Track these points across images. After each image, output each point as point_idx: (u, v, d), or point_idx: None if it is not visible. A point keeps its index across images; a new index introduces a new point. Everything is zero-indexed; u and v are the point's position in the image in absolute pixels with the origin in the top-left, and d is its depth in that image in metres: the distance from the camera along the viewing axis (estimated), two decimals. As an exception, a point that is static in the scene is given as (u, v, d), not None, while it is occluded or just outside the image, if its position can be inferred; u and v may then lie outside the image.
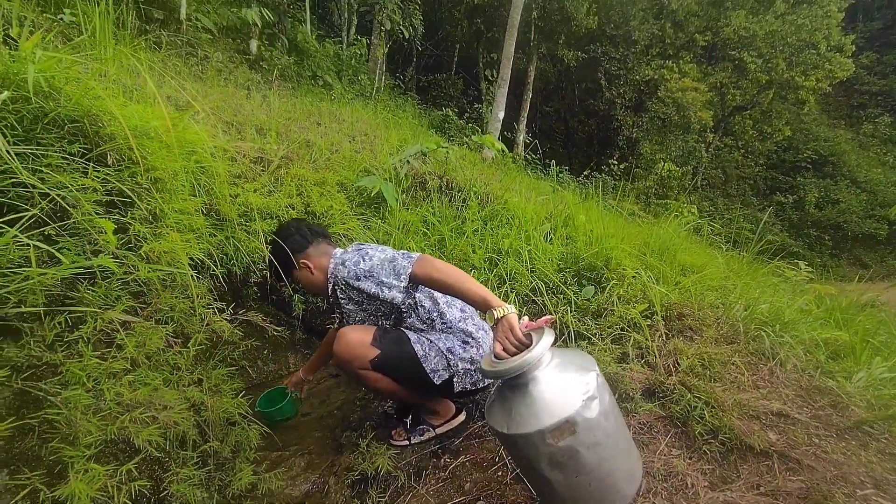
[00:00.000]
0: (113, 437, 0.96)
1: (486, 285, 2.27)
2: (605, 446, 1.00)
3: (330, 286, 1.51)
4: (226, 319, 1.49)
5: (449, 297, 1.58)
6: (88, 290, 1.13)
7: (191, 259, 1.54)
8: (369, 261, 1.39)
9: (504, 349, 1.11)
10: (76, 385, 0.97)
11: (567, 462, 0.97)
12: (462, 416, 1.67)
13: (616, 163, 11.79)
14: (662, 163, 12.33)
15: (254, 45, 6.54)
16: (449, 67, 13.61)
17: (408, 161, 2.94)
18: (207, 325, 1.48)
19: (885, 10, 21.44)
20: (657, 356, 1.85)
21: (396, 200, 2.73)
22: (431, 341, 1.48)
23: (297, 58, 7.40)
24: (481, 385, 1.53)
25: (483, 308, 1.20)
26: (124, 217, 1.35)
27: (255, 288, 2.35)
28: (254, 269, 2.28)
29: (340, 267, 1.44)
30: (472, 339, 1.53)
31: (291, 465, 1.61)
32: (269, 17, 6.40)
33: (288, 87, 6.07)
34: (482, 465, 1.48)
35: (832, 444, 1.47)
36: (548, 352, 1.03)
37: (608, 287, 2.28)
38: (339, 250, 1.57)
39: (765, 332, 2.02)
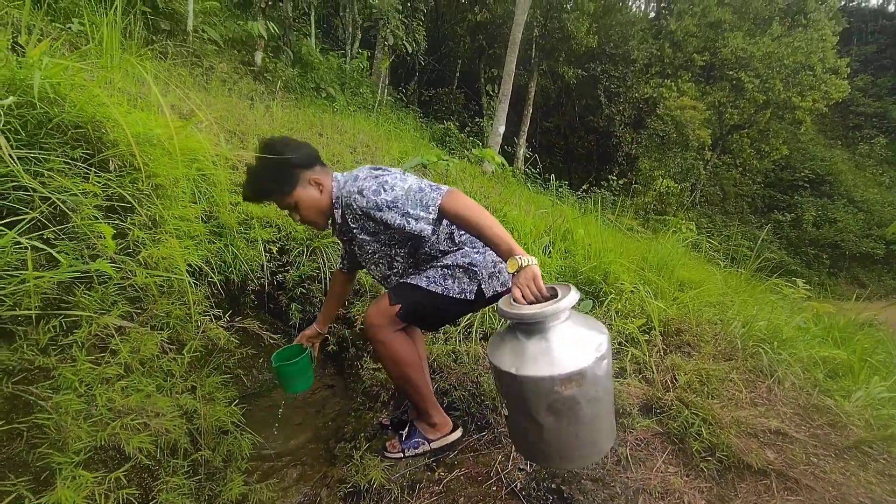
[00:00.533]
0: (103, 443, 0.94)
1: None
2: (601, 403, 1.05)
3: (338, 213, 1.41)
4: (222, 327, 1.49)
5: None
6: (85, 294, 1.13)
7: (189, 266, 1.54)
8: (391, 191, 1.29)
9: (523, 296, 1.11)
10: (68, 390, 0.96)
11: (565, 411, 1.02)
12: (458, 433, 1.64)
13: (615, 178, 11.87)
14: (661, 179, 12.44)
15: (259, 56, 6.63)
16: (451, 82, 13.80)
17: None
18: (203, 332, 1.47)
19: (878, 35, 21.90)
20: (655, 371, 1.84)
21: (396, 211, 2.75)
22: (447, 267, 1.44)
23: (301, 70, 7.50)
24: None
25: (506, 255, 1.19)
26: (124, 222, 1.35)
27: (252, 296, 2.35)
28: (252, 278, 2.28)
29: (357, 196, 1.31)
30: None
31: (283, 476, 1.59)
32: (275, 30, 6.51)
33: (291, 98, 6.14)
34: (477, 479, 1.45)
35: (831, 464, 1.45)
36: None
37: (606, 301, 2.27)
38: (339, 174, 1.45)
39: (763, 349, 2.01)
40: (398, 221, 1.28)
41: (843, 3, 16.16)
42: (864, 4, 23.89)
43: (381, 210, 1.29)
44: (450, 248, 1.49)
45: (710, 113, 13.85)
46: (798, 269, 13.13)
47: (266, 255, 2.33)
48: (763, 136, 15.02)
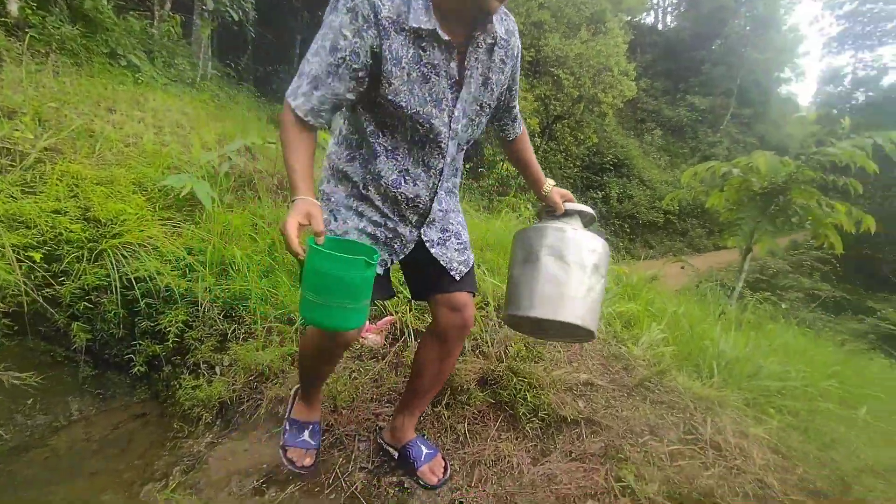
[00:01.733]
0: None
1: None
2: None
3: (500, 29, 1.15)
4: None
5: None
6: None
7: None
8: None
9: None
10: None
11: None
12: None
13: (463, 162, 12.50)
14: (502, 163, 13.61)
15: (14, 6, 5.07)
16: (291, 59, 12.73)
17: (229, 158, 2.58)
18: None
19: (654, 47, 27.60)
20: (490, 346, 1.96)
21: (214, 202, 2.37)
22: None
23: (87, 29, 5.98)
24: None
25: (542, 182, 1.38)
26: None
27: (6, 320, 1.78)
28: (1, 297, 1.72)
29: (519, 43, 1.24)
30: None
31: (59, 550, 1.24)
32: (37, -28, 5.03)
33: (69, 63, 4.84)
34: (314, 490, 1.35)
35: (623, 403, 1.74)
36: None
37: (447, 283, 2.33)
38: None
39: (576, 311, 2.31)
40: (514, 90, 1.30)
41: (629, 18, 19.76)
42: (643, 21, 29.62)
43: (517, 77, 1.28)
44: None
45: (538, 104, 15.63)
46: (609, 238, 15.97)
47: (23, 267, 1.78)
48: (579, 126, 17.63)
